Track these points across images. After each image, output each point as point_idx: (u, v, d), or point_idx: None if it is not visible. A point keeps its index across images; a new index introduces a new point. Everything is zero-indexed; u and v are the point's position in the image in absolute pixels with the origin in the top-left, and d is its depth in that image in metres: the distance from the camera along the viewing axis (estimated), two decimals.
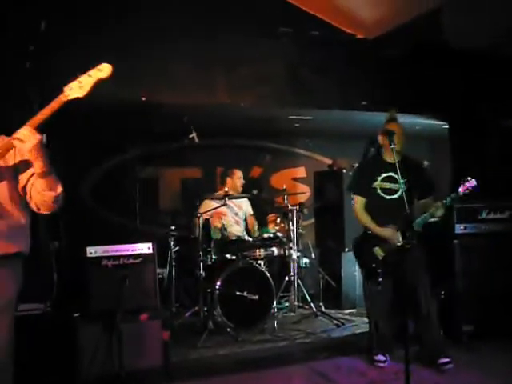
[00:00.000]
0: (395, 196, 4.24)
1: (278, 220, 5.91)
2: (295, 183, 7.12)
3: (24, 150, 2.52)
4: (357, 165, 6.42)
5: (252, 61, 4.77)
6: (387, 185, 4.28)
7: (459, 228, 4.86)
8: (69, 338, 3.74)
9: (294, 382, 4.16)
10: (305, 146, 7.07)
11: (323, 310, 5.77)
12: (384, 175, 4.30)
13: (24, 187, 2.72)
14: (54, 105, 2.52)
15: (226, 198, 5.30)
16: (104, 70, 2.53)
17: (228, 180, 6.05)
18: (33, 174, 2.68)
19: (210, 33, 4.54)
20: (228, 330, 4.95)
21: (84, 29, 4.22)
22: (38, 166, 2.57)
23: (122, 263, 4.19)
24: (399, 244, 4.04)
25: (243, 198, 6.03)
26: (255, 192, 6.13)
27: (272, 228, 6.13)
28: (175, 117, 5.41)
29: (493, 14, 4.01)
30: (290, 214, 5.80)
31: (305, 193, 6.56)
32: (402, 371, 3.89)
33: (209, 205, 5.75)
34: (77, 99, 2.51)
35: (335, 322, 5.46)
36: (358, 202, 4.40)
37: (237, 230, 5.96)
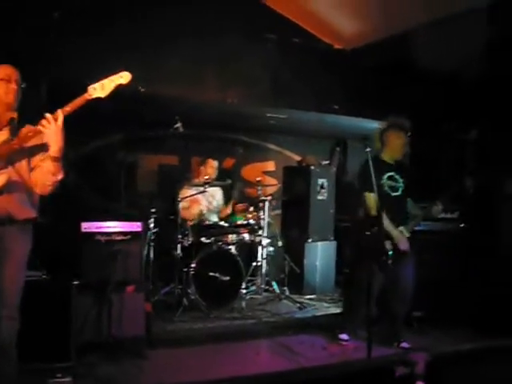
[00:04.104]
0: (398, 193, 4.72)
1: (251, 208, 6.30)
2: (264, 176, 7.58)
3: (47, 133, 2.92)
4: (324, 162, 7.01)
5: (239, 62, 5.18)
6: (391, 183, 4.72)
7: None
8: (63, 305, 4.04)
9: (262, 353, 4.64)
10: (275, 142, 7.55)
11: (287, 294, 6.27)
12: (388, 174, 4.73)
13: (32, 168, 3.13)
14: (78, 101, 2.92)
15: (206, 186, 5.73)
16: (124, 77, 2.93)
17: (202, 169, 6.39)
18: (44, 158, 3.08)
19: (204, 36, 4.95)
20: (202, 307, 5.37)
21: (90, 22, 4.55)
22: (54, 150, 2.96)
23: (113, 239, 4.55)
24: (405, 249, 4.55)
25: (219, 186, 6.40)
26: (229, 181, 6.52)
27: (240, 216, 6.54)
28: (161, 107, 5.77)
29: (455, 43, 4.58)
30: (260, 204, 6.28)
31: (276, 184, 6.94)
32: (359, 347, 4.52)
33: (187, 192, 6.13)
34: (98, 98, 2.91)
35: (298, 305, 5.96)
36: (372, 198, 4.53)
37: (211, 217, 6.33)
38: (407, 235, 4.60)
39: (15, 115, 3.11)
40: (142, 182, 6.84)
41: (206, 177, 5.89)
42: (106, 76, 2.89)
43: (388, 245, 4.53)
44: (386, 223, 4.51)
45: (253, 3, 5.03)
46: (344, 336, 4.85)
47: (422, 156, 6.25)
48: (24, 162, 3.11)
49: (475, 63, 4.59)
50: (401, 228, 4.61)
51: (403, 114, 5.88)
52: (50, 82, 4.32)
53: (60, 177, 3.06)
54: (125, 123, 6.14)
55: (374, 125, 5.95)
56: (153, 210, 5.79)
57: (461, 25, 4.48)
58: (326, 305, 6.16)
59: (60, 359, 3.90)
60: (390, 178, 4.73)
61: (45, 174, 3.03)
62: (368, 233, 4.56)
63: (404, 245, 4.55)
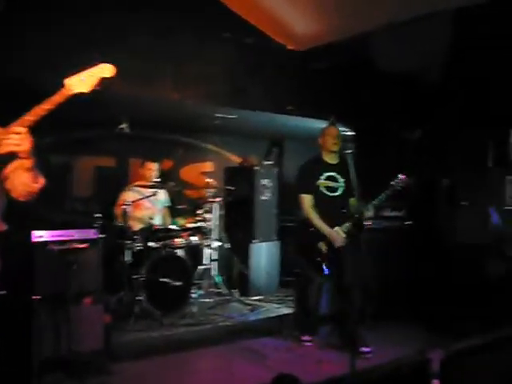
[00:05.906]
0: (337, 193, 4.77)
1: (201, 211, 6.13)
2: (203, 177, 7.42)
3: (19, 152, 2.56)
4: (267, 162, 7.00)
5: (192, 61, 5.03)
6: (329, 183, 4.77)
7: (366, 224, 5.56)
8: (22, 323, 3.76)
9: (230, 358, 4.52)
10: (213, 142, 7.42)
11: (237, 296, 6.18)
12: (326, 174, 4.78)
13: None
14: (57, 98, 2.53)
15: (156, 191, 5.54)
16: (106, 70, 2.58)
17: (140, 171, 6.18)
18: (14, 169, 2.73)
19: (158, 33, 4.76)
20: (154, 314, 5.16)
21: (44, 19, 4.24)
22: (26, 162, 2.64)
23: (68, 248, 4.23)
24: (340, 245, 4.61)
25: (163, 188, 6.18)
26: (173, 184, 6.33)
27: (182, 220, 6.35)
28: (106, 106, 5.46)
29: (412, 47, 4.73)
30: (206, 206, 6.13)
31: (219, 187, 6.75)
32: (322, 347, 4.56)
33: (128, 195, 5.88)
34: (81, 94, 2.55)
35: (248, 307, 5.90)
36: (306, 200, 4.75)
37: (155, 220, 6.09)
38: (342, 235, 4.63)
39: None
40: (78, 186, 6.46)
41: (157, 179, 5.71)
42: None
43: (322, 246, 4.63)
44: (317, 222, 4.65)
45: (208, 1, 4.89)
46: (306, 337, 4.85)
47: (365, 154, 6.44)
48: None
49: (427, 66, 4.75)
50: (336, 228, 4.65)
51: (352, 113, 6.07)
52: None
53: (42, 182, 2.78)
54: (57, 124, 5.76)
55: (318, 125, 6.02)
56: (97, 215, 5.51)
57: (418, 28, 4.60)
58: (275, 305, 6.13)
59: (20, 382, 3.61)
60: (328, 178, 4.78)
61: (27, 184, 2.74)
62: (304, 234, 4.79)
63: (337, 242, 4.61)
